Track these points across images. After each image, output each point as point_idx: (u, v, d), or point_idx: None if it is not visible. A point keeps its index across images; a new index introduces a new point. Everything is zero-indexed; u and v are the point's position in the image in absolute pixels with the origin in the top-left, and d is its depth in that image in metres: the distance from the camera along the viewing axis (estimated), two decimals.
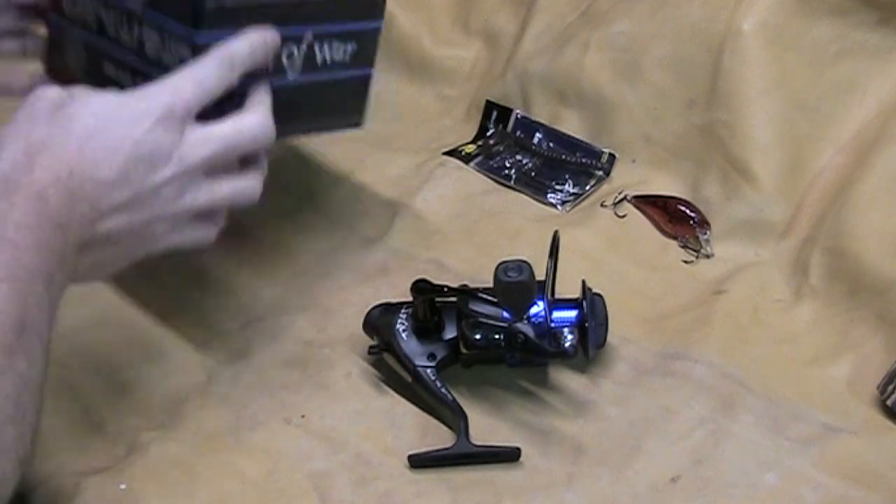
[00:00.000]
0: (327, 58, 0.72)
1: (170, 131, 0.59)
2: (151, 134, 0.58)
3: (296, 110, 0.70)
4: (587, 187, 0.94)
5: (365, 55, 0.76)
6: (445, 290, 0.71)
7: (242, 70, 0.63)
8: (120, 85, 0.64)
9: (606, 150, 0.95)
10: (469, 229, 0.89)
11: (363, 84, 0.77)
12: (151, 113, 0.58)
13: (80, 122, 0.57)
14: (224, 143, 0.61)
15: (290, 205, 0.91)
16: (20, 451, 0.52)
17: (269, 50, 0.65)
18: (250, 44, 0.63)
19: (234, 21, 0.63)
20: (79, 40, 0.67)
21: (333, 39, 0.72)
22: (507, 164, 0.97)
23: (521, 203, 0.93)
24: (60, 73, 0.69)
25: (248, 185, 0.64)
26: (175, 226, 0.61)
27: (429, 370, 0.71)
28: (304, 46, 0.69)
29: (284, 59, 0.68)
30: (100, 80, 0.66)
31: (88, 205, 0.57)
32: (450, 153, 0.98)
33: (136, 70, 0.64)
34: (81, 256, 0.58)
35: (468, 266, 0.83)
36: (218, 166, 0.62)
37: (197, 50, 0.62)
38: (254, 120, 0.63)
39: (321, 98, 0.71)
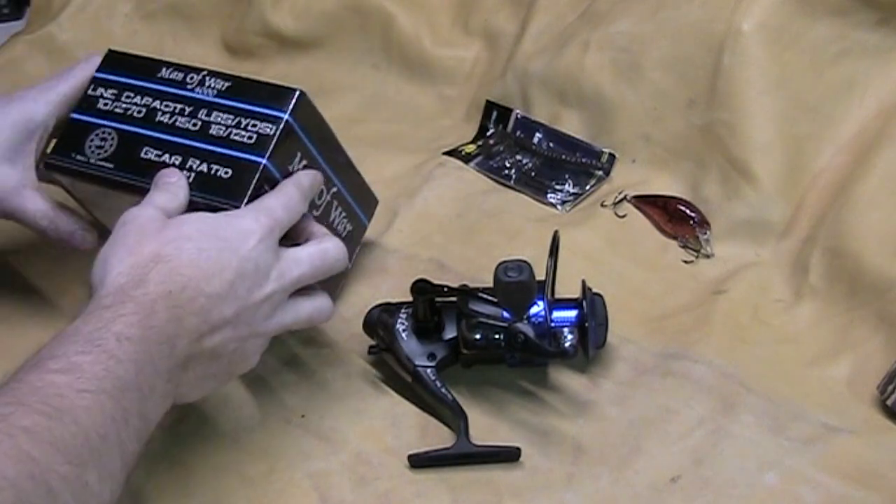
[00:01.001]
0: (335, 221, 0.75)
1: (270, 250, 0.61)
2: (255, 251, 0.60)
3: None
4: (587, 187, 0.94)
5: (349, 247, 0.78)
6: (445, 290, 0.71)
7: (308, 202, 0.67)
8: (165, 166, 0.67)
9: (606, 150, 0.95)
10: (469, 229, 0.89)
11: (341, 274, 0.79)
12: (255, 231, 0.60)
13: (190, 238, 0.59)
14: (312, 265, 0.63)
15: None
16: None
17: (318, 190, 0.69)
18: (312, 179, 0.67)
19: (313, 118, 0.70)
20: (111, 131, 0.69)
21: (343, 209, 0.76)
22: (507, 164, 0.97)
23: (521, 203, 0.93)
24: (60, 169, 0.70)
25: (324, 305, 0.66)
26: (263, 344, 0.63)
27: (429, 370, 0.71)
28: (328, 196, 0.73)
29: (315, 197, 0.71)
30: (130, 165, 0.68)
31: (198, 318, 0.57)
32: (450, 153, 0.98)
33: (190, 148, 0.67)
34: (186, 371, 0.58)
35: (468, 266, 0.83)
36: (303, 286, 0.64)
37: (282, 127, 0.66)
38: (334, 245, 0.65)
39: None
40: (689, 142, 0.90)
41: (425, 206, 0.91)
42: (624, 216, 0.90)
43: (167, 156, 0.67)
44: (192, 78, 0.70)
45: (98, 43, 1.13)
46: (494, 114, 1.02)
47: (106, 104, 0.70)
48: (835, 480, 0.65)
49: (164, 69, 0.70)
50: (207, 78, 0.69)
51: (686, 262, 0.86)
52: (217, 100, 0.68)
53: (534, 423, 0.70)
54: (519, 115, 1.00)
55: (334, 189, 0.74)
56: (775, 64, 0.86)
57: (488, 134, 1.01)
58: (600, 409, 0.71)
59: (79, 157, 0.69)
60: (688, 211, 0.87)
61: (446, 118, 1.05)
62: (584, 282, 0.73)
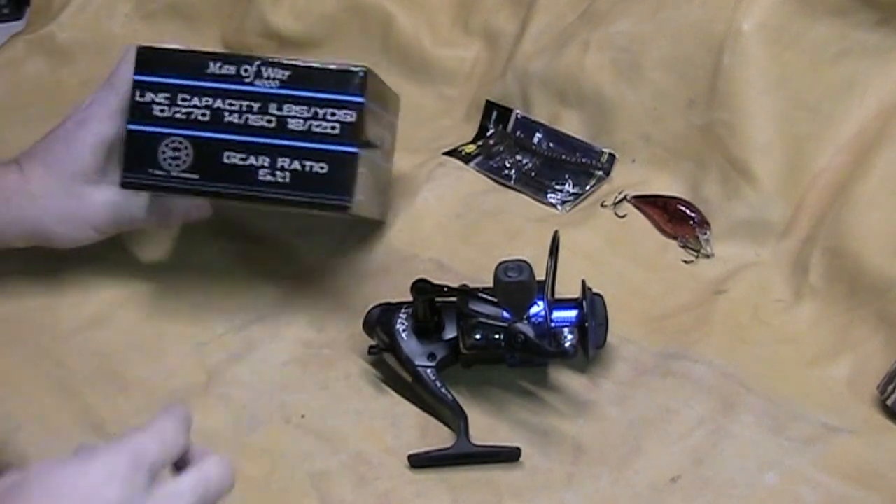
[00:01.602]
0: (387, 144, 0.77)
1: (136, 488, 0.51)
2: (116, 491, 0.50)
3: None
4: (587, 187, 0.94)
5: (391, 152, 0.82)
6: (445, 290, 0.71)
7: (188, 432, 0.57)
8: (255, 168, 0.66)
9: (606, 150, 0.95)
10: (469, 229, 0.89)
11: (388, 184, 0.83)
12: (116, 472, 0.51)
13: (36, 496, 0.50)
14: (195, 495, 0.54)
15: None
16: None
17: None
18: (221, 473, 0.56)
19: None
20: (181, 139, 0.67)
21: (390, 132, 0.80)
22: (507, 164, 0.97)
23: (521, 203, 0.93)
24: (142, 187, 0.69)
25: None
26: None
27: (429, 370, 0.71)
28: (389, 136, 0.77)
29: (381, 142, 0.73)
30: (216, 173, 0.66)
31: None
32: (450, 153, 0.98)
33: (275, 147, 0.66)
34: None
35: (468, 266, 0.83)
36: None
37: (361, 111, 0.66)
38: (216, 467, 0.56)
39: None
40: (689, 142, 0.90)
41: (425, 206, 0.91)
42: (624, 216, 0.90)
43: (253, 158, 0.66)
44: (246, 70, 0.67)
45: (98, 43, 1.14)
46: (494, 114, 1.01)
47: (163, 110, 0.67)
48: (835, 480, 0.65)
49: (211, 64, 0.67)
50: (264, 68, 0.67)
51: (686, 262, 0.86)
52: (284, 91, 0.66)
53: (534, 423, 0.70)
54: (519, 115, 1.00)
55: (389, 122, 0.75)
56: (775, 64, 0.86)
57: (488, 134, 1.01)
58: (600, 409, 0.71)
59: (157, 172, 0.67)
60: (688, 211, 0.87)
61: (446, 118, 1.05)
62: (584, 282, 0.73)
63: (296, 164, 0.65)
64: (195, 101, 0.67)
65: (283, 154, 0.65)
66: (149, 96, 0.68)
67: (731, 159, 0.87)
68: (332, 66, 0.67)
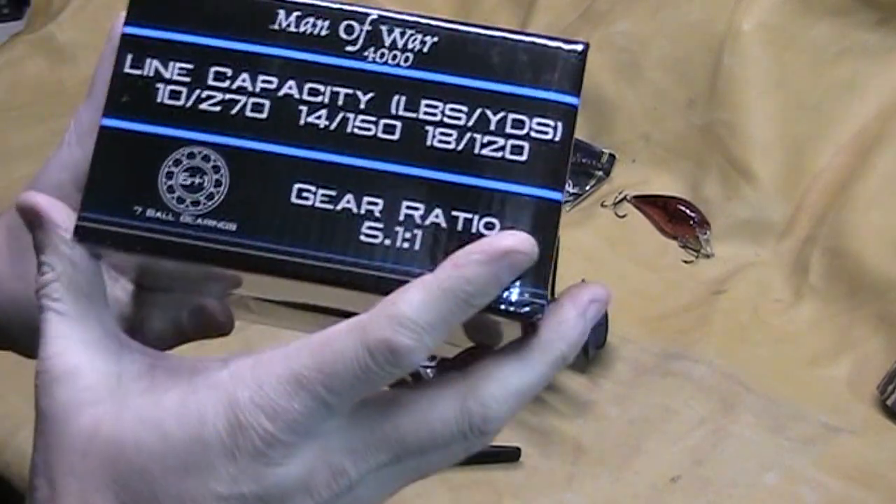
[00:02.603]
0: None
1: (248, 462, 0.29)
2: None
3: None
4: (587, 187, 0.94)
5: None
6: None
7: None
8: (354, 218, 0.32)
9: (606, 151, 0.95)
10: None
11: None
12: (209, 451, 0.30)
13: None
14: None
15: None
16: None
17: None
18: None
19: None
20: (210, 152, 0.32)
21: None
22: None
23: None
24: (117, 241, 0.33)
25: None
26: None
27: (429, 370, 0.71)
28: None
29: None
30: (274, 223, 0.33)
31: None
32: None
33: (396, 179, 0.33)
34: None
35: None
36: None
37: (572, 119, 0.32)
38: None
39: None
40: (689, 142, 0.90)
41: None
42: (624, 216, 0.90)
43: (351, 198, 0.33)
44: (350, 30, 0.33)
45: (98, 43, 1.13)
46: None
47: (176, 95, 0.33)
48: (835, 480, 0.65)
49: (282, 14, 0.33)
50: (385, 29, 0.33)
51: (686, 262, 0.86)
52: (422, 74, 0.33)
53: (534, 423, 0.70)
54: None
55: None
56: (775, 64, 0.86)
57: None
58: (600, 409, 0.71)
59: (152, 214, 0.33)
60: (688, 211, 0.87)
61: None
62: (583, 282, 0.73)
63: (436, 217, 0.32)
64: (243, 80, 0.33)
65: (412, 195, 0.32)
66: (151, 66, 0.34)
67: (731, 159, 0.87)
68: (518, 34, 0.33)
